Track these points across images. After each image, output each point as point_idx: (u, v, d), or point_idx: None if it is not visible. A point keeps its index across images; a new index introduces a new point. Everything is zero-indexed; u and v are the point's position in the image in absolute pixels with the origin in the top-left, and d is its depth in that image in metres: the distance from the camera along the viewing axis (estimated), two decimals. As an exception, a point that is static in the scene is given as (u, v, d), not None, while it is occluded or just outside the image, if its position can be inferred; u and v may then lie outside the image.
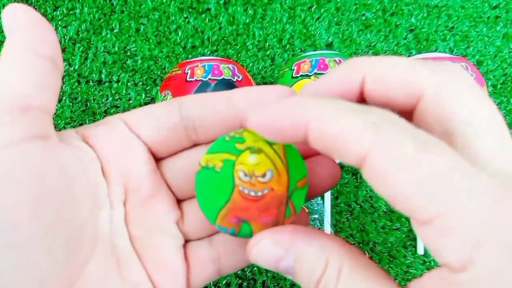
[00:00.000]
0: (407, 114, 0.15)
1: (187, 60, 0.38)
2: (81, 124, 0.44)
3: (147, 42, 0.46)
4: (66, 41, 0.46)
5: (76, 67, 0.45)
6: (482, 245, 0.11)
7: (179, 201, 0.20)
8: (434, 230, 0.12)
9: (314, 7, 0.47)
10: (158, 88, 0.40)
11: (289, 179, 0.17)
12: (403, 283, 0.40)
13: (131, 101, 0.45)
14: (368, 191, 0.42)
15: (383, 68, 0.15)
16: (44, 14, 0.47)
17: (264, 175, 0.16)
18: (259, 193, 0.16)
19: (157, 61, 0.46)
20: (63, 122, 0.44)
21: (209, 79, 0.35)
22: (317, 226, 0.41)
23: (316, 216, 0.42)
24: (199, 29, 0.47)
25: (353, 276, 0.14)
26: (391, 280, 0.14)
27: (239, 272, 0.41)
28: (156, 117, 0.19)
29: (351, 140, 0.13)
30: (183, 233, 0.19)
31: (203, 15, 0.47)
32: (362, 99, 0.15)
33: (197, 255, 0.19)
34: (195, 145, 0.19)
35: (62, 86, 0.45)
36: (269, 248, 0.15)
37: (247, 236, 0.16)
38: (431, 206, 0.12)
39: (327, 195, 0.41)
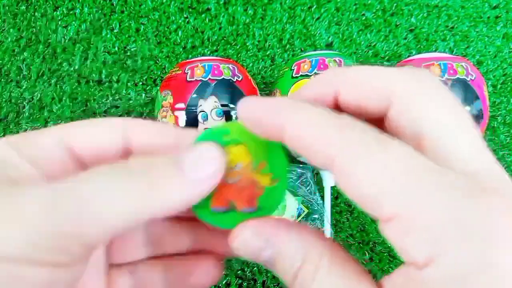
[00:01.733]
0: (381, 121, 0.15)
1: (187, 60, 0.38)
2: (81, 124, 0.44)
3: (147, 42, 0.46)
4: (66, 41, 0.46)
5: (76, 67, 0.45)
6: (443, 241, 0.12)
7: None
8: (396, 228, 0.12)
9: (314, 7, 0.47)
10: (158, 88, 0.40)
11: (257, 169, 0.19)
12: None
13: (131, 101, 0.45)
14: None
15: (354, 78, 0.15)
16: (44, 14, 0.47)
17: (235, 166, 0.18)
18: (232, 180, 0.18)
19: (157, 61, 0.46)
20: (63, 122, 0.44)
21: (209, 79, 0.35)
22: (317, 226, 0.41)
23: (316, 216, 0.42)
24: (199, 29, 0.47)
25: (331, 271, 0.14)
26: (368, 276, 0.14)
27: (239, 272, 0.41)
28: (96, 135, 0.18)
29: (319, 143, 0.13)
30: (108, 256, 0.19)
31: (203, 15, 0.47)
32: (338, 110, 0.16)
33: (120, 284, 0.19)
34: None
35: (62, 86, 0.45)
36: (250, 239, 0.16)
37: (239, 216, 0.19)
38: (392, 204, 0.12)
39: (327, 195, 0.41)
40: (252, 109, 0.15)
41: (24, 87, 0.45)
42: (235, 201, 0.19)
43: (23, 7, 0.47)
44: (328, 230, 0.41)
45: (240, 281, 0.41)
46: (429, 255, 0.12)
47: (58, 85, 0.45)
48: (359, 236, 0.41)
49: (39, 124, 0.44)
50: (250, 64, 0.46)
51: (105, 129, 0.18)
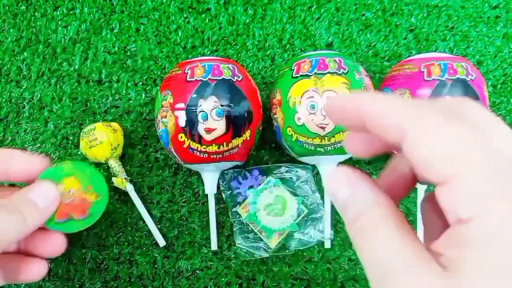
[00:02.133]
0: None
1: (187, 60, 0.38)
2: (81, 124, 0.44)
3: (147, 42, 0.46)
4: (66, 41, 0.46)
5: (76, 67, 0.45)
6: (488, 199, 0.14)
7: None
8: (451, 188, 0.15)
9: (314, 7, 0.47)
10: (158, 88, 0.40)
11: (86, 191, 0.32)
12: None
13: (131, 101, 0.45)
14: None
15: (371, 111, 0.18)
16: (44, 14, 0.47)
17: (70, 191, 0.31)
18: (68, 200, 0.31)
19: (157, 61, 0.46)
20: (63, 122, 0.44)
21: (209, 79, 0.35)
22: (318, 226, 0.41)
23: (316, 216, 0.42)
24: (199, 29, 0.47)
25: (390, 224, 0.17)
26: (420, 241, 0.16)
27: (239, 272, 0.41)
28: None
29: (395, 120, 0.16)
30: None
31: (203, 15, 0.47)
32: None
33: None
34: None
35: (62, 86, 0.45)
36: (339, 177, 0.19)
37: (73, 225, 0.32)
38: (449, 167, 0.15)
39: (327, 195, 0.41)
40: (339, 102, 0.19)
41: (24, 87, 0.45)
42: (72, 213, 0.32)
43: (23, 7, 0.47)
44: (328, 230, 0.41)
45: (240, 281, 0.41)
46: (477, 210, 0.14)
47: (58, 85, 0.45)
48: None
49: (39, 124, 0.44)
50: (250, 64, 0.46)
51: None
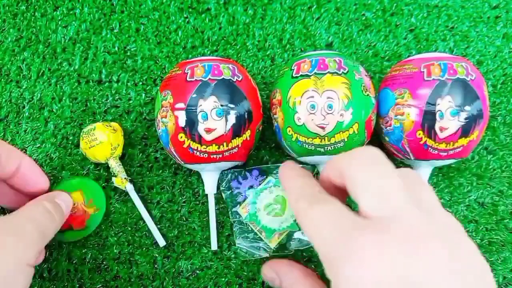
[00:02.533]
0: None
1: (187, 60, 0.38)
2: (81, 124, 0.44)
3: (147, 42, 0.46)
4: (66, 41, 0.46)
5: (76, 67, 0.45)
6: (334, 260, 0.22)
7: None
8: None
9: (314, 7, 0.47)
10: (158, 88, 0.40)
11: (88, 204, 0.39)
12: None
13: (131, 101, 0.45)
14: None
15: (328, 167, 0.28)
16: (44, 14, 0.47)
17: (74, 203, 0.38)
18: (71, 211, 0.38)
19: (157, 61, 0.46)
20: (63, 122, 0.44)
21: (209, 79, 0.35)
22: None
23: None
24: (199, 29, 0.47)
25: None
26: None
27: (239, 272, 0.41)
28: None
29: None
30: None
31: (203, 15, 0.47)
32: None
33: None
34: None
35: (62, 86, 0.45)
36: (266, 273, 0.36)
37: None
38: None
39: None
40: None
41: (24, 87, 0.45)
42: (72, 224, 0.38)
43: (23, 7, 0.47)
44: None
45: (240, 281, 0.41)
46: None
47: (58, 85, 0.45)
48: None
49: (39, 124, 0.44)
50: (250, 64, 0.46)
51: (11, 157, 0.37)
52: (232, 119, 0.35)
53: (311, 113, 0.35)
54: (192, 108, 0.35)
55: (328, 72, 0.35)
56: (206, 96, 0.35)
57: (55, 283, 0.40)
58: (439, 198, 0.43)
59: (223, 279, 0.41)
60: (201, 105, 0.35)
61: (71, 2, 0.47)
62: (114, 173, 0.41)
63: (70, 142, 0.44)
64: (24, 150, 0.44)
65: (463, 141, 0.35)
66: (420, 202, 0.23)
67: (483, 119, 0.36)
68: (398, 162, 0.43)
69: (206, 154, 0.36)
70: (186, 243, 0.42)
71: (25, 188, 0.38)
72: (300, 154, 0.38)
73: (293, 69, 0.37)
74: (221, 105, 0.35)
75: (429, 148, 0.36)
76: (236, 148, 0.36)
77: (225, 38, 0.46)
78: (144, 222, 0.41)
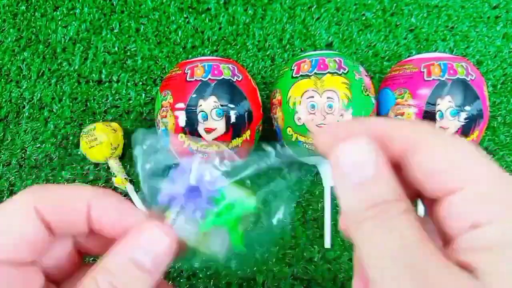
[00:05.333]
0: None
1: (187, 60, 0.38)
2: (81, 124, 0.44)
3: (147, 42, 0.46)
4: (66, 41, 0.46)
5: (76, 67, 0.45)
6: (497, 207, 0.14)
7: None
8: (465, 196, 0.15)
9: (314, 7, 0.47)
10: (158, 88, 0.40)
11: None
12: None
13: (131, 101, 0.45)
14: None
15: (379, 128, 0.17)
16: (44, 14, 0.47)
17: None
18: None
19: (157, 61, 0.46)
20: (63, 122, 0.44)
21: (209, 79, 0.35)
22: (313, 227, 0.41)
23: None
24: (199, 29, 0.47)
25: (414, 220, 0.16)
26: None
27: (239, 272, 0.41)
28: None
29: (402, 129, 0.16)
30: None
31: (203, 15, 0.47)
32: None
33: None
34: None
35: (62, 86, 0.45)
36: (364, 150, 0.17)
37: None
38: (462, 176, 0.15)
39: (327, 195, 0.41)
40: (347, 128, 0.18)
41: (24, 87, 0.45)
42: None
43: (23, 7, 0.47)
44: (328, 232, 0.41)
45: (240, 281, 0.41)
46: (494, 213, 0.14)
47: (58, 85, 0.45)
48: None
49: (39, 124, 0.44)
50: (250, 64, 0.46)
51: (73, 203, 0.19)
52: (232, 119, 0.35)
53: (311, 113, 0.35)
54: (192, 108, 0.35)
55: (328, 72, 0.35)
56: (206, 96, 0.35)
57: None
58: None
59: (224, 279, 0.41)
60: (201, 105, 0.35)
61: (71, 2, 0.47)
62: (114, 173, 0.41)
63: (70, 142, 0.44)
64: (24, 150, 0.44)
65: (463, 141, 0.35)
66: None
67: (483, 119, 0.36)
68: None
69: (206, 154, 0.36)
70: (186, 243, 0.42)
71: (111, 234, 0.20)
72: (300, 154, 0.38)
73: (293, 69, 0.37)
74: (221, 105, 0.35)
75: (429, 148, 0.36)
76: (236, 148, 0.36)
77: (225, 38, 0.46)
78: (144, 222, 0.41)
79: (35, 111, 0.45)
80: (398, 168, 0.17)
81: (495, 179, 0.15)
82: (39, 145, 0.44)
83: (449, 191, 0.15)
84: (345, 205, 0.16)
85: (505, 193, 0.15)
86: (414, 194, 0.17)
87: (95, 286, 0.17)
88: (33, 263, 0.18)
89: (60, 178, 0.43)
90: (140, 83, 0.45)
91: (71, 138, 0.44)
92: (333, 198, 0.42)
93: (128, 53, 0.46)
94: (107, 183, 0.42)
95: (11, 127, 0.44)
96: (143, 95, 0.45)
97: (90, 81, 0.45)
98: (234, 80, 0.36)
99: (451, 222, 0.15)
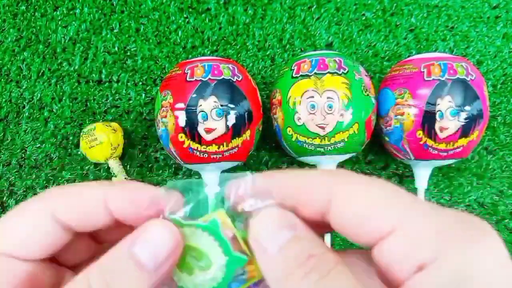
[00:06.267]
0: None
1: (187, 60, 0.38)
2: (81, 124, 0.44)
3: (147, 42, 0.46)
4: (66, 41, 0.46)
5: (76, 67, 0.45)
6: (444, 238, 0.13)
7: None
8: (398, 238, 0.14)
9: (314, 7, 0.47)
10: (158, 88, 0.40)
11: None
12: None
13: (131, 101, 0.45)
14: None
15: (292, 185, 0.17)
16: (44, 14, 0.47)
17: None
18: None
19: (157, 61, 0.46)
20: (63, 122, 0.44)
21: (209, 79, 0.35)
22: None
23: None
24: (199, 29, 0.47)
25: (348, 272, 0.15)
26: None
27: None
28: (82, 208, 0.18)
29: (319, 183, 0.16)
30: None
31: (203, 15, 0.47)
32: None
33: None
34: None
35: (62, 86, 0.45)
36: (274, 218, 0.17)
37: None
38: (392, 218, 0.14)
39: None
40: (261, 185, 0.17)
41: (24, 87, 0.45)
42: None
43: (23, 7, 0.47)
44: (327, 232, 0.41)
45: (240, 281, 0.41)
46: (434, 254, 0.13)
47: (58, 85, 0.45)
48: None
49: (39, 124, 0.44)
50: (250, 64, 0.46)
51: (89, 202, 0.18)
52: (232, 119, 0.35)
53: (311, 113, 0.35)
54: (192, 108, 0.35)
55: (328, 72, 0.35)
56: (206, 96, 0.35)
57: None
58: (439, 198, 0.43)
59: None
60: (201, 105, 0.35)
61: (71, 2, 0.47)
62: (114, 173, 0.41)
63: (70, 142, 0.44)
64: (24, 150, 0.44)
65: (463, 141, 0.35)
66: None
67: (483, 119, 0.36)
68: (398, 162, 0.43)
69: (206, 154, 0.36)
70: (186, 243, 0.42)
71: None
72: (300, 154, 0.38)
73: (293, 69, 0.37)
74: (221, 105, 0.35)
75: (429, 148, 0.36)
76: (236, 148, 0.36)
77: (225, 38, 0.46)
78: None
79: (35, 111, 0.45)
80: (320, 226, 0.16)
81: (423, 212, 0.14)
82: (39, 145, 0.44)
83: (380, 237, 0.14)
84: (272, 275, 0.15)
85: (439, 225, 0.14)
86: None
87: (87, 283, 0.16)
88: (46, 259, 0.18)
89: (60, 178, 0.43)
90: (140, 83, 0.45)
91: (71, 138, 0.44)
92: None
93: (128, 53, 0.46)
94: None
95: (11, 127, 0.44)
96: (143, 95, 0.45)
97: (90, 81, 0.45)
98: (234, 80, 0.36)
99: (394, 268, 0.14)
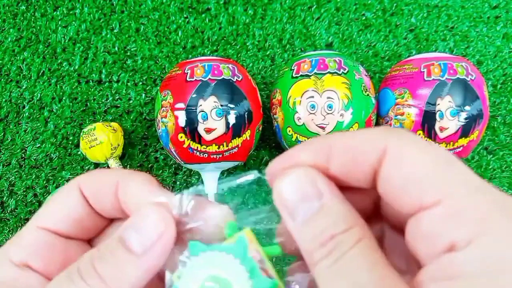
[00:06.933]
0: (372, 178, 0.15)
1: (187, 60, 0.38)
2: (81, 124, 0.44)
3: (147, 42, 0.46)
4: (66, 41, 0.46)
5: (76, 67, 0.45)
6: (485, 222, 0.12)
7: None
8: (438, 213, 0.13)
9: (314, 7, 0.47)
10: (158, 88, 0.40)
11: None
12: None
13: (131, 101, 0.45)
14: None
15: (344, 143, 0.15)
16: (44, 14, 0.47)
17: None
18: None
19: (157, 61, 0.46)
20: (63, 122, 0.44)
21: (209, 79, 0.35)
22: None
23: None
24: (199, 29, 0.47)
25: (369, 251, 0.14)
26: (396, 275, 0.14)
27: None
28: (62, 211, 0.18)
29: (370, 139, 0.14)
30: None
31: (203, 15, 0.47)
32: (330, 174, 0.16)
33: None
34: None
35: (62, 86, 0.45)
36: (302, 183, 0.15)
37: None
38: (436, 190, 0.13)
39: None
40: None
41: (24, 87, 0.45)
42: None
43: (23, 7, 0.47)
44: None
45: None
46: (472, 235, 0.12)
47: (58, 85, 0.45)
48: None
49: (39, 124, 0.44)
50: (250, 64, 0.46)
51: (103, 184, 0.18)
52: (232, 119, 0.35)
53: (311, 113, 0.35)
54: (192, 108, 0.35)
55: (328, 72, 0.35)
56: (206, 96, 0.35)
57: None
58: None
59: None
60: (201, 105, 0.35)
61: (71, 2, 0.47)
62: (114, 173, 0.41)
63: (70, 142, 0.44)
64: (24, 150, 0.44)
65: (463, 141, 0.35)
66: None
67: (483, 119, 0.36)
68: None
69: (206, 154, 0.36)
70: (186, 243, 0.42)
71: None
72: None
73: (293, 69, 0.37)
74: (221, 105, 0.35)
75: (429, 148, 0.36)
76: (236, 148, 0.36)
77: (225, 38, 0.46)
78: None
79: (35, 111, 0.45)
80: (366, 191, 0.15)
81: (472, 190, 0.13)
82: (39, 145, 0.44)
83: (421, 207, 0.13)
84: (300, 245, 0.15)
85: (484, 205, 0.12)
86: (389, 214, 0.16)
87: (76, 266, 0.16)
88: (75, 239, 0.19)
89: (60, 178, 0.43)
90: (140, 83, 0.45)
91: (71, 138, 0.44)
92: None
93: (128, 53, 0.46)
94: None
95: (11, 127, 0.44)
96: (143, 95, 0.45)
97: (90, 81, 0.45)
98: (234, 80, 0.36)
99: (421, 245, 0.13)
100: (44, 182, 0.43)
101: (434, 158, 0.13)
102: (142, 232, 0.16)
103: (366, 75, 0.38)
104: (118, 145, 0.41)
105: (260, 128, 0.39)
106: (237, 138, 0.36)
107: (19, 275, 0.16)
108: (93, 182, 0.18)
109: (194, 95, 0.35)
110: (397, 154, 0.14)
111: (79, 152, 0.43)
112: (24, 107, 0.45)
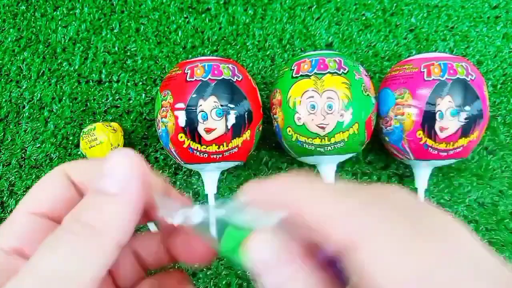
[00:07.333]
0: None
1: (187, 60, 0.38)
2: (81, 124, 0.44)
3: (147, 42, 0.46)
4: (66, 41, 0.46)
5: (76, 67, 0.45)
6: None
7: None
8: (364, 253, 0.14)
9: (314, 7, 0.47)
10: (158, 88, 0.40)
11: None
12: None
13: (131, 101, 0.45)
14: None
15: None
16: (44, 14, 0.47)
17: None
18: None
19: (157, 61, 0.46)
20: (63, 122, 0.44)
21: (209, 79, 0.35)
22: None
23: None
24: (199, 29, 0.47)
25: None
26: None
27: (240, 272, 0.41)
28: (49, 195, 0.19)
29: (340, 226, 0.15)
30: None
31: (203, 15, 0.47)
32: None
33: None
34: None
35: (62, 86, 0.45)
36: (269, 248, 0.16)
37: None
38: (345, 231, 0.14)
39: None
40: (259, 191, 0.17)
41: (24, 87, 0.45)
42: None
43: (23, 7, 0.47)
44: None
45: (240, 281, 0.41)
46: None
47: (58, 85, 0.45)
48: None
49: (39, 124, 0.44)
50: (250, 64, 0.46)
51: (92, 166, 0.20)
52: (232, 119, 0.35)
53: (311, 113, 0.35)
54: (192, 108, 0.35)
55: (328, 72, 0.35)
56: (206, 96, 0.35)
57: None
58: (439, 198, 0.43)
59: (223, 279, 0.41)
60: (201, 105, 0.35)
61: (71, 2, 0.47)
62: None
63: (70, 142, 0.44)
64: (24, 150, 0.44)
65: (463, 141, 0.35)
66: None
67: (483, 119, 0.36)
68: (398, 162, 0.43)
69: (206, 154, 0.36)
70: (186, 243, 0.42)
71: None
72: (300, 154, 0.38)
73: (293, 69, 0.37)
74: (221, 105, 0.35)
75: (429, 148, 0.36)
76: (236, 148, 0.36)
77: (225, 38, 0.46)
78: (144, 222, 0.41)
79: (35, 111, 0.45)
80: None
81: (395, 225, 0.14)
82: (39, 145, 0.44)
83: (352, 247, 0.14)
84: None
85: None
86: None
87: (61, 229, 0.16)
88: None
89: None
90: (140, 83, 0.45)
91: (71, 138, 0.44)
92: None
93: (128, 53, 0.46)
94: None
95: (11, 127, 0.44)
96: (143, 95, 0.45)
97: (90, 81, 0.45)
98: (234, 80, 0.36)
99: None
100: (44, 182, 0.43)
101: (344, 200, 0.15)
102: (113, 174, 0.17)
103: (366, 75, 0.38)
104: (118, 145, 0.41)
105: (260, 128, 0.39)
106: (237, 138, 0.36)
107: (9, 263, 0.17)
108: (82, 168, 0.19)
109: (194, 95, 0.35)
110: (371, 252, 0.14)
111: (79, 152, 0.43)
112: (24, 107, 0.45)
